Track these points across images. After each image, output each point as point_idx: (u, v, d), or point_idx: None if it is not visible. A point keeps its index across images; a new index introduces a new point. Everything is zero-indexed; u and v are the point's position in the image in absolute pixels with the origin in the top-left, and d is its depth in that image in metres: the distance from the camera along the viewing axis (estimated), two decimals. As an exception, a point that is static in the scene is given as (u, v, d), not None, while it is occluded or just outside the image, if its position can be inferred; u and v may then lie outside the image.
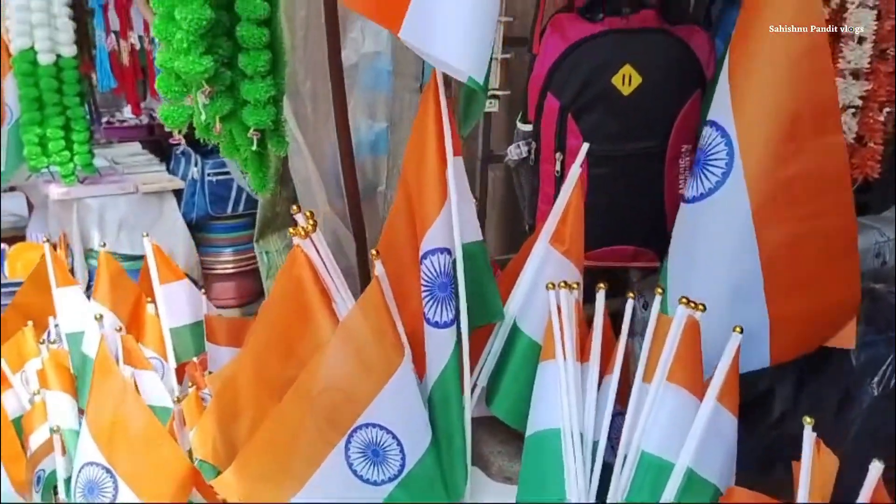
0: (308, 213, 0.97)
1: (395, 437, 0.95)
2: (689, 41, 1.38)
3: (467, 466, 1.02)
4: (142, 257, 1.62)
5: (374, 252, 0.94)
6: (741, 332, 0.89)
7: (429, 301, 0.97)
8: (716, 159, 1.10)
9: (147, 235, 1.59)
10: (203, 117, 1.17)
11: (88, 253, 2.34)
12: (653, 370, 0.90)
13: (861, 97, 1.20)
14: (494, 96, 1.56)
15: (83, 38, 2.34)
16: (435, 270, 0.96)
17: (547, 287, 0.99)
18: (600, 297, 0.99)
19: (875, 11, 1.17)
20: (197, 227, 2.58)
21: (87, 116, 2.32)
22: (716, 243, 1.06)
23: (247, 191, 2.56)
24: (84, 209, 2.31)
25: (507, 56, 1.52)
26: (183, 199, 2.52)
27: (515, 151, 1.50)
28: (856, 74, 1.20)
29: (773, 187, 1.02)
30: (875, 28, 1.18)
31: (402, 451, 0.97)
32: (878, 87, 1.18)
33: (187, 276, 1.70)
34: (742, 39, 1.04)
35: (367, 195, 1.78)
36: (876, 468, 0.74)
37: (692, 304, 0.94)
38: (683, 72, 1.39)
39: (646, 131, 1.40)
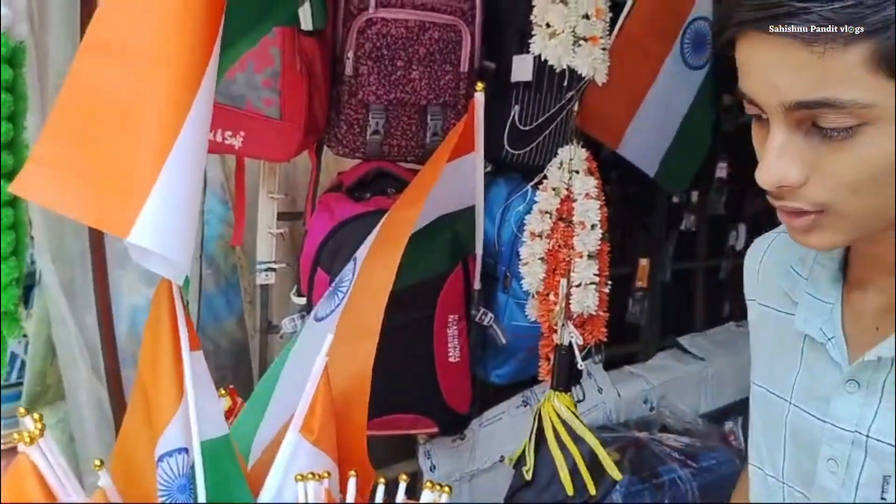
0: (36, 417, 0.89)
1: None
2: (452, 219, 1.49)
3: None
4: None
5: (96, 462, 0.88)
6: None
7: (168, 504, 0.92)
8: (341, 287, 1.21)
9: None
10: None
11: None
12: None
13: (595, 274, 1.33)
14: (271, 269, 1.58)
15: None
16: (172, 472, 0.91)
17: (295, 479, 0.97)
18: (351, 484, 0.99)
19: (598, 202, 1.33)
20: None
21: None
22: None
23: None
24: None
25: (281, 231, 1.55)
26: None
27: (290, 325, 1.51)
28: (591, 256, 1.33)
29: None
30: (600, 216, 1.33)
31: None
32: (603, 266, 1.33)
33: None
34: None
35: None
36: None
37: (437, 487, 0.96)
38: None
39: (414, 302, 1.46)
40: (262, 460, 1.13)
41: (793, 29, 0.53)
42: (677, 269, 2.35)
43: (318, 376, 1.01)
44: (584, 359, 1.82)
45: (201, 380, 0.95)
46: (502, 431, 1.87)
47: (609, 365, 2.13)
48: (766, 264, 0.82)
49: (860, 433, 0.66)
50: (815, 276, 0.73)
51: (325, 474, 1.00)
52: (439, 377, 1.51)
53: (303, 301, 1.51)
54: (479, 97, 1.23)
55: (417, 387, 1.50)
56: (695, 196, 2.25)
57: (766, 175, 0.60)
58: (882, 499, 0.65)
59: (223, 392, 1.10)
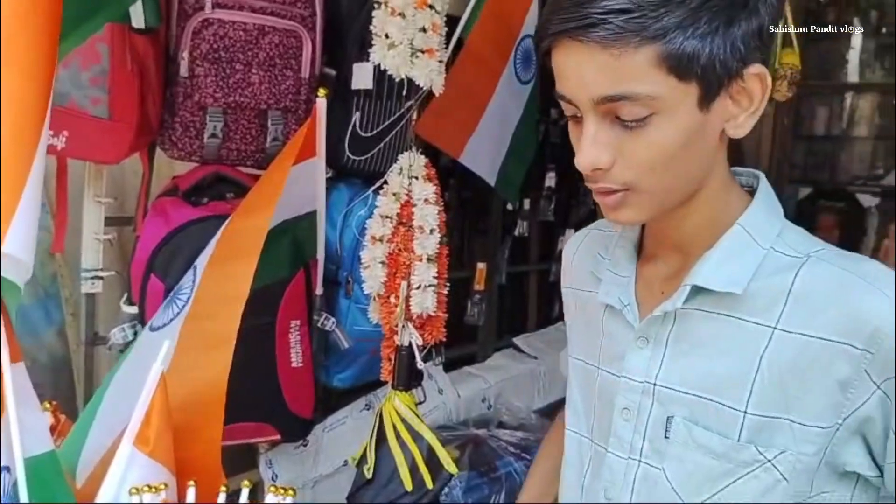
0: None
1: None
2: (291, 223, 1.49)
3: None
4: None
5: None
6: None
7: (-10, 527, 0.86)
8: (180, 295, 1.19)
9: None
10: None
11: None
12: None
13: (434, 277, 1.38)
14: (98, 277, 1.49)
15: None
16: (-7, 492, 0.85)
17: (130, 492, 0.94)
18: (191, 494, 0.97)
19: (437, 207, 1.38)
20: None
21: None
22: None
23: None
24: None
25: (108, 237, 1.48)
26: None
27: (120, 335, 1.44)
28: (430, 259, 1.38)
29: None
30: (439, 221, 1.38)
31: None
32: (442, 268, 1.38)
33: None
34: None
35: None
36: None
37: (280, 491, 0.96)
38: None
39: (255, 309, 1.44)
40: (94, 475, 1.07)
41: (595, 36, 0.64)
42: (512, 273, 2.47)
43: (153, 386, 0.98)
44: (424, 361, 1.88)
45: (23, 394, 0.89)
46: (346, 435, 1.88)
47: (449, 366, 2.21)
48: (579, 253, 0.93)
49: (648, 382, 0.77)
50: (615, 256, 0.85)
51: (162, 486, 0.97)
52: (282, 383, 1.50)
53: (134, 310, 1.44)
54: (322, 103, 1.25)
55: (259, 394, 1.48)
56: (527, 203, 2.38)
57: (583, 160, 0.70)
58: (666, 437, 0.76)
59: (47, 407, 1.03)
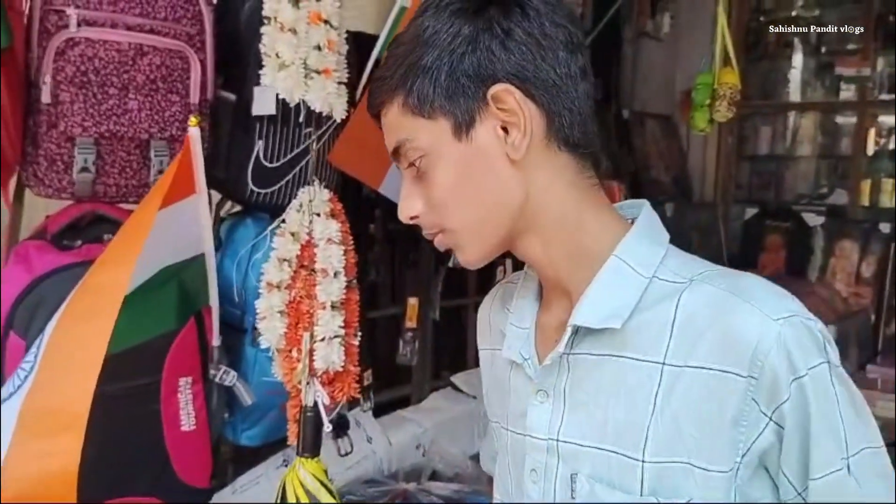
0: None
1: None
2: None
3: None
4: None
5: None
6: None
7: None
8: (24, 364, 1.04)
9: None
10: None
11: None
12: None
13: (341, 326, 1.22)
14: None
15: None
16: None
17: None
18: None
19: (343, 246, 1.23)
20: None
21: None
22: None
23: None
24: None
25: (-34, 288, 1.28)
26: None
27: (-25, 403, 1.23)
28: (334, 306, 1.22)
29: None
30: (345, 263, 1.23)
31: None
32: (351, 316, 1.22)
33: None
34: None
35: None
36: None
37: None
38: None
39: (135, 369, 1.26)
40: None
41: (372, 102, 0.73)
42: (447, 307, 2.32)
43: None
44: (351, 407, 1.71)
45: None
46: (260, 496, 1.69)
47: (381, 410, 2.04)
48: (492, 311, 0.87)
49: (552, 439, 0.72)
50: (517, 308, 0.79)
51: None
52: (170, 450, 1.31)
53: (-7, 372, 1.24)
54: (194, 132, 1.08)
55: (144, 464, 1.29)
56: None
57: (401, 214, 0.73)
58: (572, 497, 0.70)
59: None
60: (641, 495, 0.66)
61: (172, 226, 1.14)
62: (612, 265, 0.70)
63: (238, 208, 1.71)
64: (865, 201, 3.76)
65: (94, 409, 1.19)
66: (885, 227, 3.58)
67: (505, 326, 0.79)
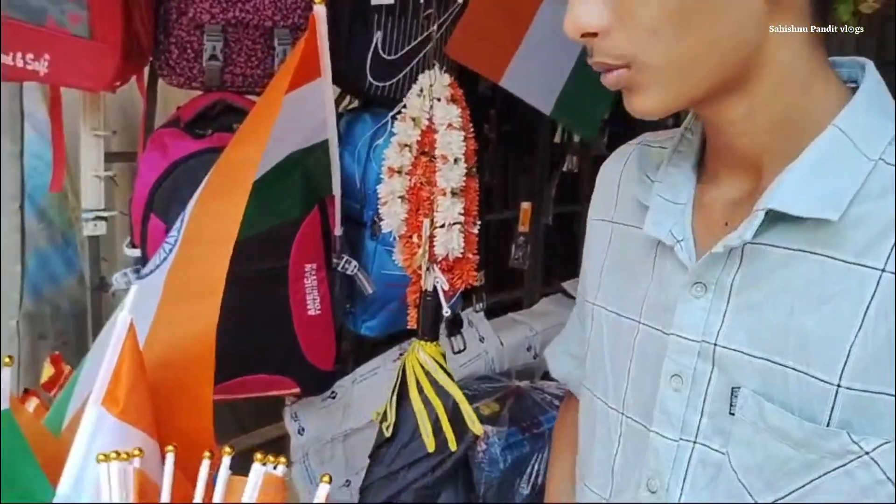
0: None
1: None
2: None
3: None
4: None
5: None
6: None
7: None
8: (168, 240, 1.07)
9: None
10: None
11: None
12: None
13: (460, 213, 1.22)
14: (100, 217, 1.38)
15: None
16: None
17: (98, 459, 0.82)
18: (169, 461, 0.84)
19: (462, 132, 1.21)
20: None
21: None
22: None
23: None
24: None
25: (109, 173, 1.36)
26: None
27: (122, 280, 1.33)
28: (455, 193, 1.21)
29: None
30: (465, 149, 1.21)
31: None
32: (470, 204, 1.22)
33: None
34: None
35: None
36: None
37: (270, 459, 0.83)
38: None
39: (264, 253, 1.31)
40: (63, 438, 0.97)
41: None
42: (560, 213, 2.28)
43: (121, 338, 0.85)
44: (464, 307, 1.73)
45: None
46: (378, 387, 1.76)
47: (492, 313, 2.06)
48: (626, 176, 0.74)
49: (707, 342, 0.60)
50: (668, 177, 0.67)
51: (136, 452, 0.84)
52: (298, 332, 1.37)
53: (137, 253, 1.33)
54: (320, 11, 1.07)
55: (272, 344, 1.36)
56: (576, 136, 2.17)
57: (569, 23, 0.57)
58: (731, 413, 0.58)
59: (7, 361, 0.92)
60: (828, 426, 0.54)
61: (298, 110, 1.15)
62: (830, 137, 0.56)
63: (355, 104, 1.72)
64: None
65: (229, 290, 1.25)
66: None
67: (645, 197, 0.68)
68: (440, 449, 1.20)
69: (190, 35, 1.26)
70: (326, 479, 0.82)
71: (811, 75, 0.57)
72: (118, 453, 0.82)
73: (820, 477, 0.55)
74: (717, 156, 0.64)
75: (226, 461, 0.83)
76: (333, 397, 1.71)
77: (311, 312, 1.37)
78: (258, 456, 0.83)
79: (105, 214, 1.37)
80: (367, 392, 1.75)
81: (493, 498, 1.52)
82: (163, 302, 1.00)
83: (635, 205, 0.70)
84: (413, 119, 1.19)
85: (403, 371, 1.26)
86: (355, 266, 1.44)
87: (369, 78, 1.48)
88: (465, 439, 1.19)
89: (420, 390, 1.22)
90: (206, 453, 0.86)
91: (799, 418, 0.55)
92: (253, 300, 1.30)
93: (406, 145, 1.20)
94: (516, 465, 1.64)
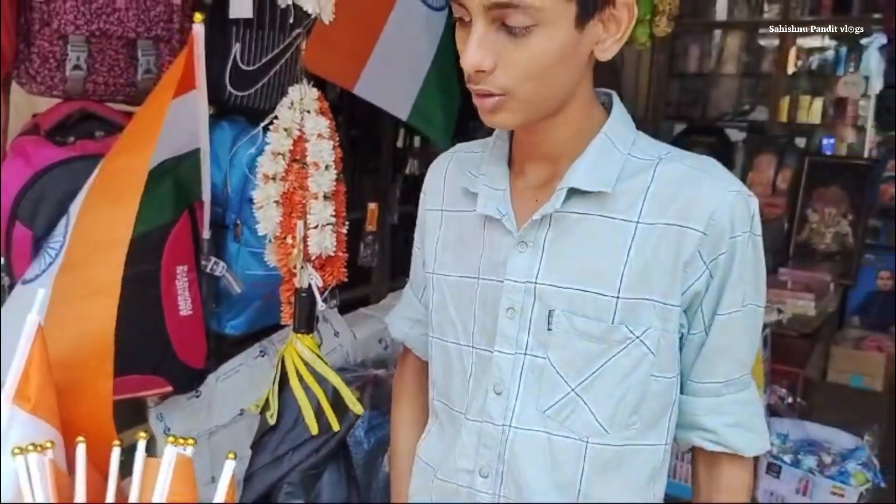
0: None
1: None
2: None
3: None
4: None
5: None
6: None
7: None
8: (52, 244, 1.14)
9: None
10: None
11: None
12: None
13: (331, 215, 1.33)
14: (-49, 227, 1.34)
15: None
16: None
17: (13, 452, 0.86)
18: (80, 451, 0.90)
19: (331, 142, 1.32)
20: None
21: None
22: None
23: None
24: None
25: (-37, 182, 1.32)
26: None
27: (-16, 290, 1.31)
28: (326, 196, 1.32)
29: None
30: (335, 157, 1.33)
31: None
32: (340, 206, 1.34)
33: None
34: None
35: None
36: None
37: (180, 441, 0.90)
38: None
39: (137, 256, 1.34)
40: None
41: None
42: (404, 212, 2.44)
43: (30, 338, 0.90)
44: (323, 302, 1.83)
45: None
46: (241, 384, 1.82)
47: (344, 309, 2.17)
48: (449, 174, 0.99)
49: (530, 282, 0.85)
50: (488, 172, 0.91)
51: (48, 444, 0.89)
52: (170, 332, 1.41)
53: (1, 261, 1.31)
54: (199, 29, 1.15)
55: (147, 345, 1.39)
56: (417, 140, 2.34)
57: (468, 60, 0.76)
58: (549, 329, 0.85)
59: None
60: (613, 324, 0.82)
61: (173, 120, 1.20)
62: (601, 140, 0.85)
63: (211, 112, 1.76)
64: (784, 118, 4.02)
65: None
66: (800, 142, 3.86)
67: (471, 185, 0.92)
68: (323, 431, 1.31)
69: (53, 45, 1.27)
70: (232, 455, 0.92)
71: (591, 103, 0.86)
72: (34, 445, 0.87)
73: (610, 359, 0.83)
74: (524, 154, 0.89)
75: (141, 444, 0.90)
76: (198, 395, 1.75)
77: (182, 313, 1.42)
78: (170, 438, 0.91)
79: (-43, 223, 1.33)
80: (230, 389, 1.80)
81: (360, 476, 1.65)
82: (53, 304, 1.03)
83: (462, 194, 0.94)
84: (286, 129, 1.29)
85: (283, 363, 1.35)
86: (224, 267, 1.50)
87: (229, 88, 1.54)
88: (346, 419, 1.31)
89: (300, 379, 1.32)
90: (116, 441, 0.93)
91: (595, 321, 0.82)
92: (126, 302, 1.33)
93: (279, 154, 1.29)
94: (379, 446, 1.79)
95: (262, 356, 1.90)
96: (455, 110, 1.97)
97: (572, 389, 0.85)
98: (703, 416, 0.88)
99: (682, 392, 0.89)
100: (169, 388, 1.48)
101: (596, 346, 0.83)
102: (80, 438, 0.91)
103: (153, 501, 0.88)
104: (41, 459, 0.87)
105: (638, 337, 0.82)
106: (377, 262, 2.34)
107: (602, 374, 0.83)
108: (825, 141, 4.03)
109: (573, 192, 0.83)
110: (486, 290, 0.90)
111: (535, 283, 0.85)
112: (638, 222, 0.82)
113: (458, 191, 0.96)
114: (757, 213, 0.84)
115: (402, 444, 1.12)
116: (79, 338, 1.02)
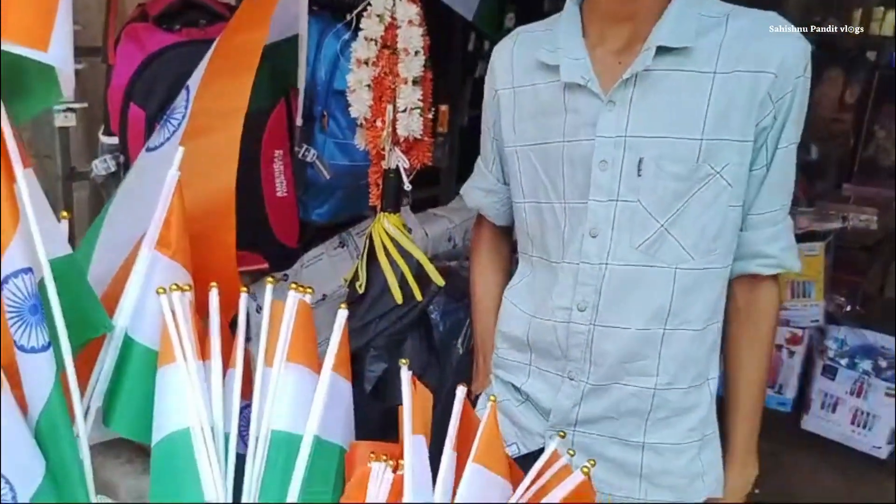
0: None
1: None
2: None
3: (89, 495, 0.95)
4: None
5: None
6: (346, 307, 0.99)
7: (19, 326, 0.88)
8: (175, 115, 1.21)
9: None
10: None
11: None
12: (272, 354, 0.95)
13: (419, 100, 1.40)
14: (70, 109, 1.46)
15: None
16: (21, 293, 0.87)
17: (158, 292, 0.97)
18: (213, 295, 1.01)
19: (421, 28, 1.38)
20: None
21: None
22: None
23: None
24: None
25: (80, 66, 1.43)
26: None
27: (102, 166, 1.43)
28: (415, 81, 1.40)
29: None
30: (423, 43, 1.39)
31: (11, 489, 0.86)
32: (427, 92, 1.41)
33: None
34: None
35: None
36: (461, 391, 0.90)
37: (300, 289, 1.01)
38: (271, 78, 1.47)
39: (242, 135, 1.44)
40: (117, 278, 1.11)
41: None
42: (473, 115, 2.49)
43: (171, 191, 1.00)
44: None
45: (37, 199, 0.90)
46: (323, 270, 1.95)
47: (415, 208, 2.27)
48: (518, 54, 1.07)
49: (620, 136, 0.95)
50: (566, 45, 1.00)
51: (187, 286, 1.01)
52: (268, 211, 1.52)
53: (114, 140, 1.43)
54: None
55: (248, 220, 1.48)
56: (487, 44, 2.37)
57: None
58: (639, 175, 0.95)
59: (64, 215, 1.04)
60: (697, 162, 0.93)
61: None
62: (679, 2, 0.95)
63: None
64: (855, 30, 3.90)
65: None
66: (871, 55, 3.75)
67: (551, 60, 1.00)
68: (406, 301, 1.42)
69: (160, -67, 1.34)
70: (343, 305, 1.02)
71: None
72: (177, 286, 0.98)
73: (695, 194, 0.94)
74: (601, 22, 0.99)
75: (269, 288, 1.01)
76: (285, 279, 1.88)
77: (279, 194, 1.53)
78: (293, 285, 1.02)
79: (75, 106, 1.45)
80: (314, 275, 1.93)
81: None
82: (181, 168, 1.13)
83: (535, 68, 1.03)
84: (378, 16, 1.36)
85: (370, 239, 1.45)
86: (314, 154, 1.60)
87: (317, -21, 1.60)
88: (428, 291, 1.41)
89: (387, 253, 1.42)
90: (243, 288, 1.04)
91: (682, 163, 0.93)
92: (231, 181, 1.44)
93: (372, 39, 1.37)
94: (452, 330, 1.90)
95: (342, 247, 2.02)
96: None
97: (661, 225, 0.96)
98: (764, 244, 1.00)
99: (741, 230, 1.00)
100: (265, 265, 1.60)
101: (682, 184, 0.94)
102: (213, 284, 1.02)
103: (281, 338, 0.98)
104: (183, 298, 0.98)
105: (718, 172, 0.93)
106: (446, 163, 2.41)
107: (687, 208, 0.95)
108: (898, 55, 3.90)
109: (659, 50, 0.92)
110: (574, 150, 0.99)
111: (626, 136, 0.95)
112: (715, 73, 0.92)
113: (528, 66, 1.04)
114: (810, 58, 0.95)
115: (484, 287, 1.26)
116: (205, 193, 1.12)
